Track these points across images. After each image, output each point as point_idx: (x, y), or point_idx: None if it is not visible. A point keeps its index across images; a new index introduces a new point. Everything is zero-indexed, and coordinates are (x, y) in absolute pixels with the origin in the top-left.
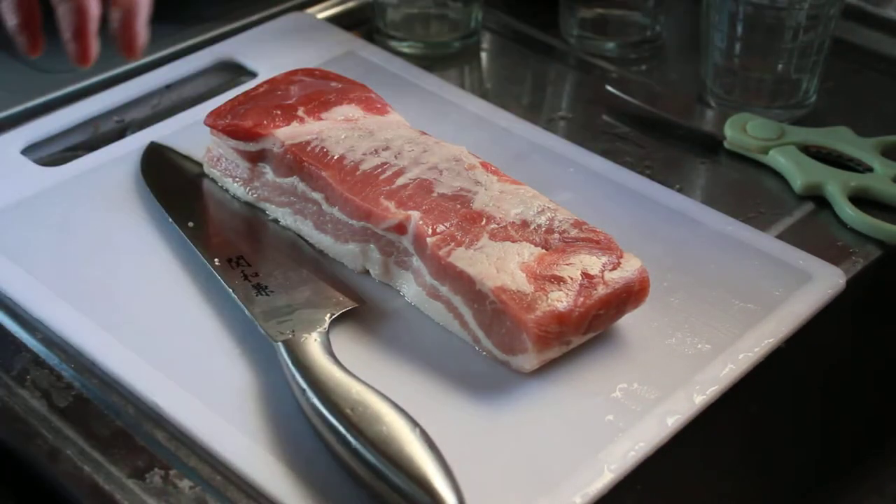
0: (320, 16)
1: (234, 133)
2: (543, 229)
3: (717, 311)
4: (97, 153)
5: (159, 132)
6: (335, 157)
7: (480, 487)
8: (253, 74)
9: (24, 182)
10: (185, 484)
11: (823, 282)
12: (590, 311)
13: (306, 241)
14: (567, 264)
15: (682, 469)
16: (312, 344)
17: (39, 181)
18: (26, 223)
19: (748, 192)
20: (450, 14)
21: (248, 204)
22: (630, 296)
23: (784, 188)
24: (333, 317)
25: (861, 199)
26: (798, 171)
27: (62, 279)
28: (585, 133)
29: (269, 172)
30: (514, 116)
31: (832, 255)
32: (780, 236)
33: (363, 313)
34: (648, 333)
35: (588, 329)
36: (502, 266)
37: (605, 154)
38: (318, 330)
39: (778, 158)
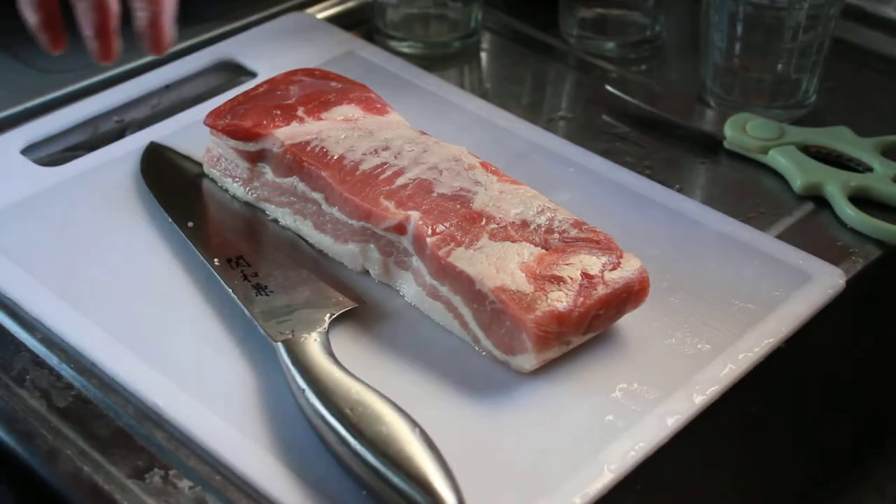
0: (320, 16)
1: (233, 133)
2: (543, 229)
3: (717, 311)
4: (97, 153)
5: (159, 132)
6: (335, 157)
7: (480, 487)
8: (253, 74)
9: (24, 182)
10: (184, 484)
11: (823, 282)
12: (590, 311)
13: (306, 241)
14: (567, 264)
15: (682, 469)
16: (312, 344)
17: (39, 181)
18: (26, 223)
19: (748, 192)
20: (449, 14)
21: (247, 204)
22: (630, 296)
23: (784, 188)
24: (333, 317)
25: (861, 199)
26: (798, 171)
27: (62, 279)
28: (585, 133)
29: (268, 172)
30: (513, 116)
31: (832, 255)
32: (780, 236)
33: (363, 313)
34: (648, 333)
35: (588, 329)
36: (502, 266)
37: (605, 154)
38: (318, 330)
39: (778, 158)
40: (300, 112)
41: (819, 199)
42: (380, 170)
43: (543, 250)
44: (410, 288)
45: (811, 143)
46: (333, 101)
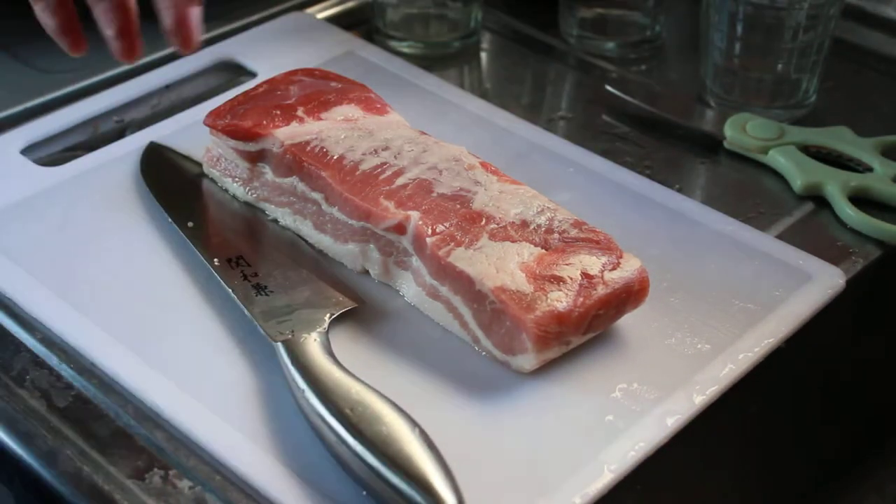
0: (320, 16)
1: (233, 133)
2: (543, 229)
3: (716, 311)
4: (97, 153)
5: (159, 132)
6: (335, 157)
7: (480, 487)
8: (253, 74)
9: (23, 182)
10: (184, 484)
11: (823, 282)
12: (589, 312)
13: (306, 241)
14: (567, 264)
15: (682, 469)
16: (312, 344)
17: (39, 181)
18: (26, 223)
19: (748, 192)
20: (449, 14)
21: (247, 204)
22: (630, 296)
23: (784, 188)
24: (333, 317)
25: (861, 199)
26: (798, 171)
27: (62, 279)
28: (585, 133)
29: (268, 172)
30: (513, 116)
31: (832, 255)
32: (780, 236)
33: (363, 313)
34: (648, 333)
35: (588, 329)
36: (502, 266)
37: (605, 154)
38: (318, 330)
39: (778, 158)
40: (300, 112)
41: (819, 199)
42: (380, 170)
43: (543, 250)
44: (410, 288)
45: (811, 143)
46: (333, 101)
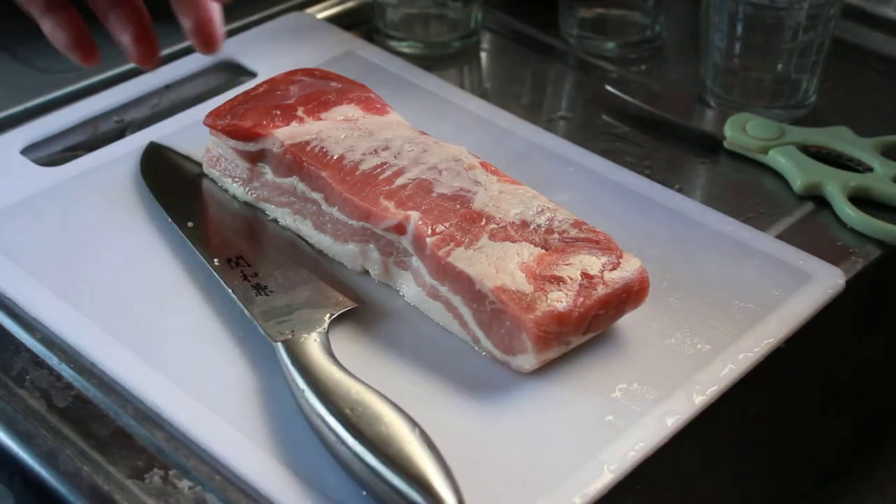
0: (320, 16)
1: (233, 133)
2: (543, 229)
3: (716, 311)
4: (97, 153)
5: (159, 132)
6: (335, 157)
7: (480, 487)
8: (252, 74)
9: (23, 182)
10: (184, 484)
11: (823, 282)
12: (589, 312)
13: (306, 241)
14: (567, 264)
15: (682, 469)
16: (312, 344)
17: (39, 181)
18: (26, 223)
19: (748, 192)
20: (449, 14)
21: (247, 204)
22: (630, 296)
23: (784, 188)
24: (333, 317)
25: (861, 199)
26: (798, 171)
27: (62, 279)
28: (585, 133)
29: (268, 172)
30: (513, 116)
31: (832, 255)
32: (779, 236)
33: (363, 313)
34: (648, 333)
35: (588, 329)
36: (502, 266)
37: (605, 154)
38: (318, 330)
39: (778, 158)
40: (300, 112)
41: (819, 199)
42: (379, 170)
43: (543, 250)
44: (410, 288)
45: (811, 143)
46: (333, 101)
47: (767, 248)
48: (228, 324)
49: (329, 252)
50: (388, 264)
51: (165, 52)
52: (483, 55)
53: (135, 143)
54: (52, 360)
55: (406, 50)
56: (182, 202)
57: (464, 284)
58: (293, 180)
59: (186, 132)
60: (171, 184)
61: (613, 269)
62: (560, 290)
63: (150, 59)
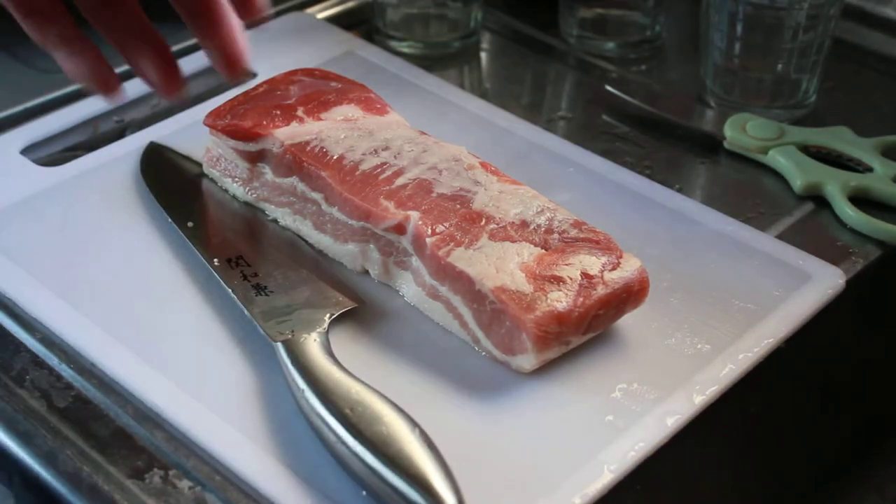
0: (320, 16)
1: (233, 133)
2: (543, 229)
3: (716, 311)
4: (97, 153)
5: (159, 132)
6: (334, 157)
7: (480, 487)
8: (253, 74)
9: (23, 182)
10: (184, 484)
11: (823, 282)
12: (589, 312)
13: (306, 241)
14: (566, 264)
15: (682, 469)
16: (312, 344)
17: (39, 181)
18: (26, 223)
19: (748, 192)
20: (449, 14)
21: (247, 204)
22: (630, 296)
23: (784, 188)
24: (333, 317)
25: (861, 199)
26: (798, 171)
27: (62, 279)
28: (585, 133)
29: (268, 172)
30: (513, 116)
31: (832, 255)
32: (779, 236)
33: (362, 313)
34: (648, 333)
35: (588, 329)
36: (502, 266)
37: (605, 154)
38: (318, 330)
39: (778, 158)
40: (300, 112)
41: (819, 199)
42: (379, 170)
43: (543, 250)
44: (410, 288)
45: (811, 143)
46: (333, 101)
47: (767, 248)
48: (228, 324)
49: (329, 252)
50: (388, 264)
51: None
52: (483, 55)
53: (135, 143)
54: (52, 360)
55: (406, 50)
56: (182, 202)
57: (464, 284)
58: (293, 180)
59: (186, 132)
60: (171, 184)
61: (613, 269)
62: (560, 290)
63: (174, 90)
